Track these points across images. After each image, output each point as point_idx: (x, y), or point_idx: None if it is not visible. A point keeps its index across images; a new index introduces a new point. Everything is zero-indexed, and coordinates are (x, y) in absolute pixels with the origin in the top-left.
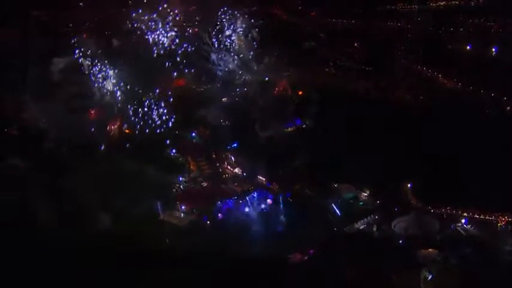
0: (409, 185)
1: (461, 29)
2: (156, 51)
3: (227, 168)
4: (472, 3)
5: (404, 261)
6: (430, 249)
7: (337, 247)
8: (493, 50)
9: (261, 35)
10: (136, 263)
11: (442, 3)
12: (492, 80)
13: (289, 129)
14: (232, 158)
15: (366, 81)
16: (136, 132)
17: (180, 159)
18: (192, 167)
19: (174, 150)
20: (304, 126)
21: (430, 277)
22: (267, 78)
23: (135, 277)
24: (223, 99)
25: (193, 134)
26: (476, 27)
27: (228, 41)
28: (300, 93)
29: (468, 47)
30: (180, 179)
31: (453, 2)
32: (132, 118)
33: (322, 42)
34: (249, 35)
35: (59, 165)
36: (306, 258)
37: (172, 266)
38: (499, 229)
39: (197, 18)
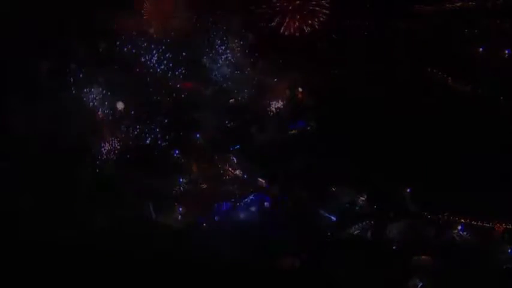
0: (407, 190)
1: (476, 30)
2: (161, 53)
3: (228, 170)
4: (489, 4)
5: (396, 268)
6: (423, 256)
7: (332, 251)
8: (506, 52)
9: (269, 36)
10: (133, 264)
11: (458, 4)
12: (501, 83)
13: (293, 131)
14: (234, 159)
15: (370, 83)
16: (138, 133)
17: (182, 160)
18: (193, 169)
19: (177, 152)
20: (308, 128)
21: (420, 285)
22: (275, 80)
23: (132, 278)
24: (227, 101)
25: (198, 136)
26: (492, 28)
27: (235, 41)
28: (304, 94)
29: (481, 49)
30: (180, 180)
31: (470, 3)
32: (135, 119)
33: (332, 44)
34: (256, 35)
35: (58, 166)
36: (298, 262)
37: (168, 267)
38: (495, 237)
39: (208, 19)
